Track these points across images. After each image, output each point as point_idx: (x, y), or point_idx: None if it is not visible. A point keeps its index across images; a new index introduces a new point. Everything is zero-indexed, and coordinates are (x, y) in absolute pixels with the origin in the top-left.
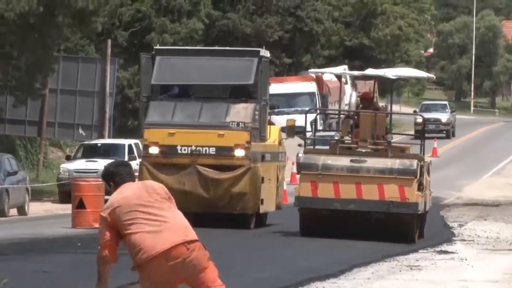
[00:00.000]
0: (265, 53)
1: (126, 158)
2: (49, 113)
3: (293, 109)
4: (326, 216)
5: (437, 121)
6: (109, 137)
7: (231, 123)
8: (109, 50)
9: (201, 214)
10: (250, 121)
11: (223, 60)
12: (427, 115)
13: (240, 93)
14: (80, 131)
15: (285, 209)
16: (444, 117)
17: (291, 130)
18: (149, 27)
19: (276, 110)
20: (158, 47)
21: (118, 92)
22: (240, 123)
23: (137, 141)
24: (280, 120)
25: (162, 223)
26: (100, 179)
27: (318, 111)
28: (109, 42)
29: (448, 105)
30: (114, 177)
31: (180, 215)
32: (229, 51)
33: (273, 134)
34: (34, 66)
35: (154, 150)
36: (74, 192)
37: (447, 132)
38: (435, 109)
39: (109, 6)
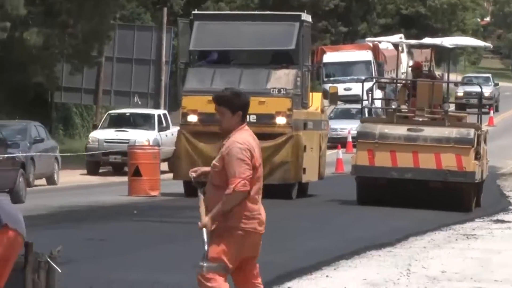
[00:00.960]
0: (306, 17)
1: (156, 128)
2: (105, 81)
3: (349, 77)
4: (383, 185)
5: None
6: (164, 106)
7: (272, 89)
8: (165, 19)
9: None
10: (292, 87)
11: (263, 25)
12: (470, 89)
13: (281, 59)
14: (136, 99)
15: (326, 179)
16: (486, 90)
17: (333, 97)
18: None
19: (331, 78)
20: (196, 12)
21: (173, 60)
22: (282, 90)
23: (165, 111)
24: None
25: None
26: (156, 147)
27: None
28: (165, 10)
29: (491, 78)
30: (246, 110)
31: None
32: (270, 15)
33: (315, 101)
34: (90, 34)
35: (192, 118)
36: (130, 160)
37: (490, 106)
38: (477, 82)
39: None
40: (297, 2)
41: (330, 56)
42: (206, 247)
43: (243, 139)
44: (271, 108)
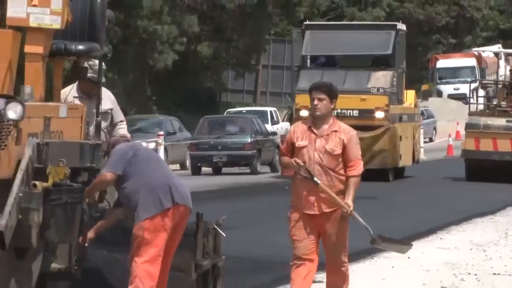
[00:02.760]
0: (401, 26)
1: (269, 122)
2: (262, 84)
3: (457, 79)
4: (486, 165)
5: None
6: None
7: (372, 88)
8: None
9: None
10: (389, 86)
11: (364, 33)
12: None
13: (379, 62)
14: (288, 97)
15: (421, 163)
16: None
17: (425, 94)
18: (341, 15)
19: (443, 80)
20: (307, 22)
21: None
22: (380, 89)
23: (275, 108)
24: (447, 89)
25: None
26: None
27: (479, 82)
28: None
29: None
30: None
31: None
32: (370, 25)
33: (409, 98)
34: (250, 46)
35: (304, 113)
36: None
37: None
38: None
39: None
40: (415, 20)
41: (442, 63)
42: (366, 224)
43: (348, 126)
44: (371, 104)
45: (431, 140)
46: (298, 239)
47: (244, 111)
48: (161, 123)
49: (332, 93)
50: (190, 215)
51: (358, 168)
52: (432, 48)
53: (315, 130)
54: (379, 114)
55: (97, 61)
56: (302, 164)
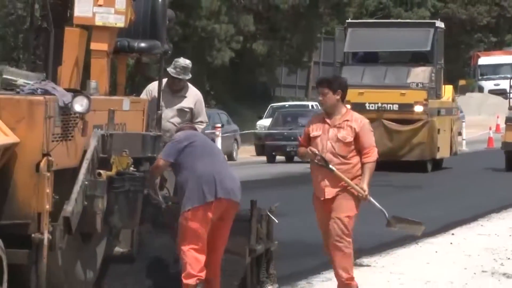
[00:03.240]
0: (440, 24)
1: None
2: (313, 80)
3: (497, 76)
4: None
5: None
6: None
7: (411, 83)
8: None
9: (386, 163)
10: (428, 81)
11: (404, 30)
12: None
13: (418, 58)
14: None
15: (463, 155)
16: None
17: (462, 89)
18: (388, 15)
19: (484, 76)
20: (349, 20)
21: None
22: (419, 84)
23: (316, 102)
24: (487, 85)
25: None
26: None
27: None
28: None
29: None
30: (345, 91)
31: None
32: (410, 23)
33: (447, 92)
34: (302, 45)
35: (347, 107)
36: None
37: None
38: None
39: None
40: (458, 20)
41: (484, 60)
42: (382, 208)
43: (361, 116)
44: (410, 99)
45: (459, 134)
46: (319, 228)
47: (287, 105)
48: (209, 116)
49: (333, 85)
50: (237, 207)
51: (372, 154)
52: (474, 46)
53: (328, 121)
54: (418, 108)
55: (181, 59)
56: (317, 152)
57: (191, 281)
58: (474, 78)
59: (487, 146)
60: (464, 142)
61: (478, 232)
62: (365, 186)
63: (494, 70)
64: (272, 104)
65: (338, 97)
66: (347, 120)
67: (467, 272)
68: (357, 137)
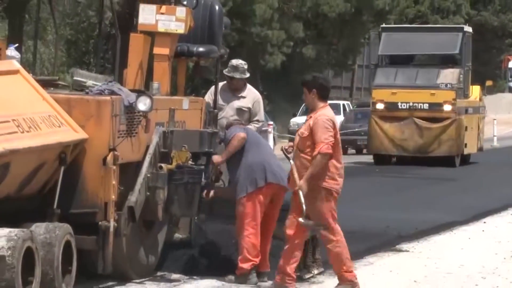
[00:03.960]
0: (468, 29)
1: (342, 114)
2: (357, 81)
3: None
4: None
5: None
6: None
7: (441, 84)
8: None
9: (416, 158)
10: (456, 82)
11: (435, 35)
12: None
13: (448, 61)
14: None
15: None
16: None
17: (489, 89)
18: (426, 22)
19: (510, 78)
20: (383, 25)
21: None
22: (448, 84)
23: (348, 102)
24: None
25: None
26: None
27: None
28: None
29: None
30: (321, 90)
31: None
32: (439, 27)
33: (474, 92)
34: (347, 49)
35: (380, 106)
36: None
37: None
38: None
39: (399, 8)
40: (490, 26)
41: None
42: (304, 207)
43: (327, 113)
44: (440, 98)
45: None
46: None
47: None
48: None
49: (308, 85)
50: (285, 191)
51: (318, 149)
52: (505, 50)
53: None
54: (447, 107)
55: (233, 60)
56: (285, 147)
57: (247, 266)
58: (505, 80)
59: None
60: (495, 138)
61: (508, 221)
62: (300, 181)
63: None
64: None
65: (314, 95)
66: (311, 117)
67: (497, 257)
68: (311, 132)
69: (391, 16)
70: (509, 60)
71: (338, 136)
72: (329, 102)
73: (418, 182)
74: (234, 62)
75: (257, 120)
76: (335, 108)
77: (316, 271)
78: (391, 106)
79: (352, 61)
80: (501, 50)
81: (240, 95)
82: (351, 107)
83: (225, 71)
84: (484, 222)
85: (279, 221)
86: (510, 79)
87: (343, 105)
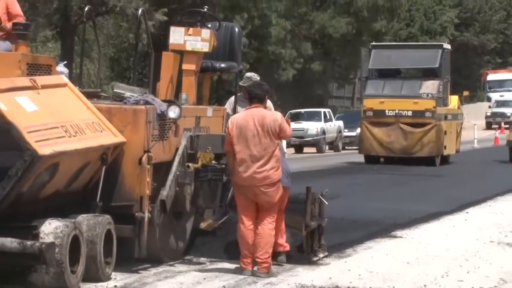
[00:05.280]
0: (447, 46)
1: (323, 121)
2: (358, 92)
3: (502, 89)
4: None
5: (503, 115)
6: None
7: (422, 94)
8: None
9: (402, 158)
10: (436, 92)
11: (417, 51)
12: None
13: (429, 73)
14: None
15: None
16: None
17: (466, 99)
18: (416, 41)
19: (492, 89)
20: (373, 43)
21: None
22: (429, 94)
23: (329, 109)
24: (494, 96)
25: None
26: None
27: None
28: None
29: None
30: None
31: None
32: (421, 45)
33: (453, 101)
34: (349, 65)
35: (369, 113)
36: None
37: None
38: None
39: (393, 29)
40: (472, 45)
41: (491, 76)
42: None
43: (235, 115)
44: (422, 106)
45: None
46: None
47: (303, 112)
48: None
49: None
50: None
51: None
52: (484, 66)
53: None
54: (428, 114)
55: (247, 73)
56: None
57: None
58: (483, 91)
59: (494, 144)
60: (475, 141)
61: (487, 211)
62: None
63: (500, 85)
64: (290, 111)
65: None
66: None
67: (478, 242)
68: None
69: (387, 37)
70: (487, 74)
71: (233, 133)
72: (311, 109)
73: (409, 178)
74: (248, 74)
75: None
76: (318, 116)
77: (321, 255)
78: (380, 113)
79: (353, 75)
80: (480, 65)
81: None
82: (331, 115)
83: (241, 83)
84: (467, 212)
85: (295, 214)
86: (488, 90)
87: (324, 112)
